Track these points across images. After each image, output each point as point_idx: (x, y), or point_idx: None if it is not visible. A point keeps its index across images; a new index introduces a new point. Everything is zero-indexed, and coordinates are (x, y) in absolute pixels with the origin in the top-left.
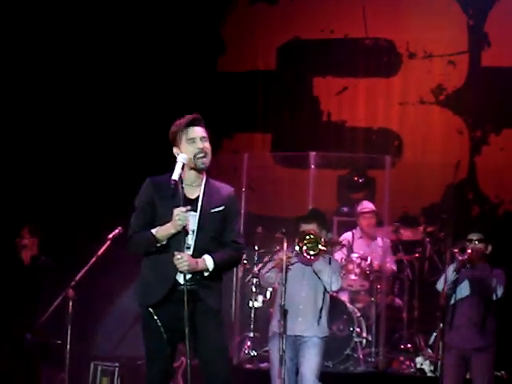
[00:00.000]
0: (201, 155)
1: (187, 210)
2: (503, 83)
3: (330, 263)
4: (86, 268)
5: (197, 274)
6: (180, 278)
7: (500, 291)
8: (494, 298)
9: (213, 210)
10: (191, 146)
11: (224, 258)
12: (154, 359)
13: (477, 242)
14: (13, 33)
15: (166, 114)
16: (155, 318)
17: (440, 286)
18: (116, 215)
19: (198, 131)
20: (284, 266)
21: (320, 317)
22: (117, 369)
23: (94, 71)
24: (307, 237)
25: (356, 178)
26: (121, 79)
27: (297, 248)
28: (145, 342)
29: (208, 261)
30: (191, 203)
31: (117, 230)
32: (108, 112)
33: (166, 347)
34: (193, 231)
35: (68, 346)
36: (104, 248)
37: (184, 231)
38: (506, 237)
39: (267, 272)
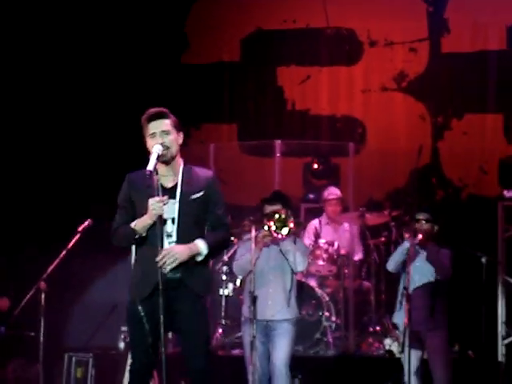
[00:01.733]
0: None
1: (161, 200)
2: (463, 69)
3: (295, 243)
4: (57, 260)
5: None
6: (165, 268)
7: (442, 273)
8: (442, 278)
9: (192, 197)
10: (152, 141)
11: (217, 240)
12: (135, 349)
13: (424, 222)
14: None
15: (131, 107)
16: (139, 307)
17: (390, 266)
18: (86, 207)
19: (158, 126)
20: (255, 248)
21: (290, 298)
22: (91, 359)
23: (57, 68)
24: (276, 216)
25: (316, 166)
26: (84, 73)
27: (265, 228)
28: (128, 332)
29: (201, 245)
30: (168, 192)
31: (86, 223)
32: (73, 106)
33: (147, 338)
34: (172, 219)
35: (41, 338)
36: (74, 240)
37: (160, 221)
38: (470, 220)
39: (243, 256)
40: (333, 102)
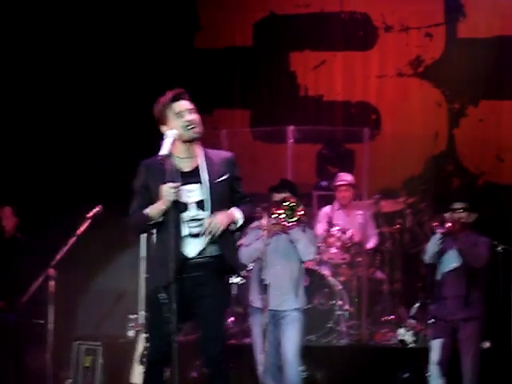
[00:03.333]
0: (191, 126)
1: (174, 186)
2: (479, 54)
3: (304, 232)
4: (66, 247)
5: (212, 245)
6: (188, 253)
7: (477, 261)
8: (477, 266)
9: (218, 180)
10: (179, 120)
11: (249, 211)
12: (155, 338)
13: (461, 211)
14: None
15: (144, 92)
16: (161, 295)
17: (426, 257)
18: (96, 194)
19: (185, 104)
20: (266, 236)
21: (297, 287)
22: (99, 348)
23: (69, 51)
24: (285, 204)
25: (325, 152)
26: (96, 56)
27: (273, 215)
28: (148, 320)
29: (237, 213)
30: (188, 176)
31: (96, 209)
32: (86, 91)
33: (166, 326)
34: (198, 203)
35: (50, 326)
36: (84, 227)
37: (173, 206)
38: (487, 207)
39: (251, 244)
40: (347, 87)
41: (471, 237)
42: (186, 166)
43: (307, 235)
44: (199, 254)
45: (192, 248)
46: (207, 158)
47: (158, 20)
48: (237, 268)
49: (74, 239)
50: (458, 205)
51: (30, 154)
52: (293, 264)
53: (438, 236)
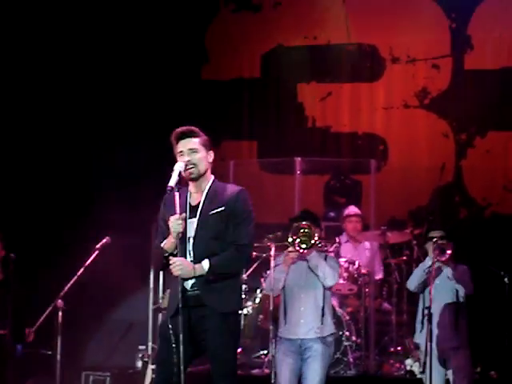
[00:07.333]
0: (188, 167)
1: (180, 217)
2: (487, 86)
3: (325, 259)
4: (74, 278)
5: (200, 278)
6: (187, 285)
7: (467, 288)
8: (462, 295)
9: (211, 212)
10: (180, 159)
11: (221, 259)
12: (160, 367)
13: (441, 240)
14: None
15: (152, 124)
16: (169, 326)
17: (412, 285)
18: (104, 225)
19: (185, 144)
20: (283, 265)
21: (323, 315)
22: (108, 378)
23: (74, 82)
24: (301, 230)
25: (332, 183)
26: (104, 89)
27: (289, 240)
28: (157, 348)
29: (204, 264)
30: (192, 210)
31: (105, 240)
32: (94, 122)
33: (173, 356)
34: (192, 237)
35: (58, 357)
36: (92, 258)
37: (180, 238)
38: (494, 238)
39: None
40: (354, 118)
41: (451, 265)
42: (193, 200)
43: (328, 262)
44: (192, 286)
45: (189, 280)
46: (211, 192)
47: (166, 52)
48: (223, 310)
49: (82, 270)
50: (436, 233)
51: (37, 182)
52: (316, 292)
53: (427, 263)
